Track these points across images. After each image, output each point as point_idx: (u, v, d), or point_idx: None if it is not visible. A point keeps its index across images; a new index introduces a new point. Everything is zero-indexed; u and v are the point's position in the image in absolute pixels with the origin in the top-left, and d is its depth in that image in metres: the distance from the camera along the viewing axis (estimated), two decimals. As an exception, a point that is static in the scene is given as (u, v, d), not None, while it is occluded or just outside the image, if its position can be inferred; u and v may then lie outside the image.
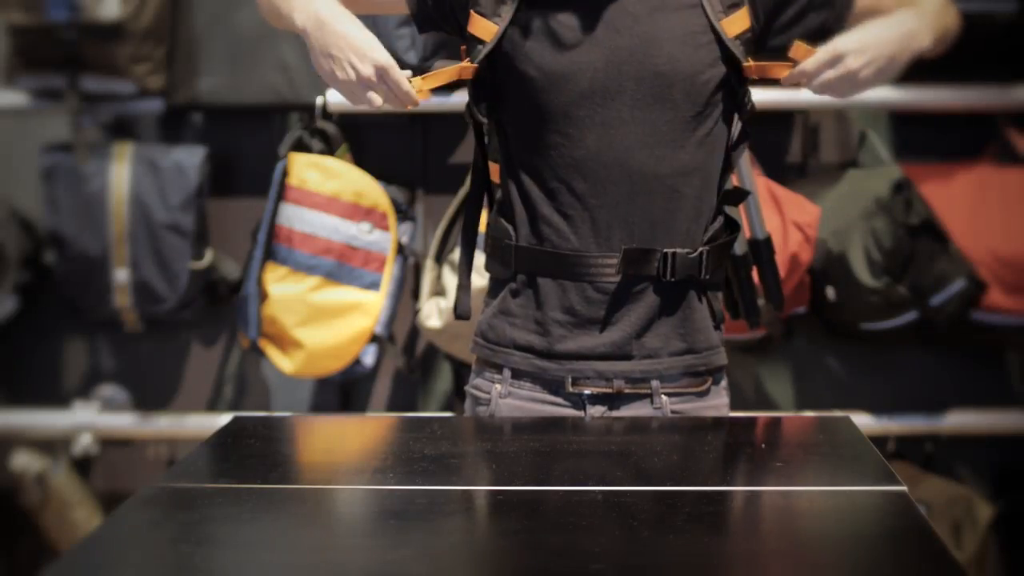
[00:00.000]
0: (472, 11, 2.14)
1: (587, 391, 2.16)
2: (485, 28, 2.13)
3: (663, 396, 2.16)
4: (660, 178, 2.11)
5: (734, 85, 2.14)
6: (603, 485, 1.76)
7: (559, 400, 2.18)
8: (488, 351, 2.22)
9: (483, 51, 2.12)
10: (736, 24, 2.12)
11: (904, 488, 1.72)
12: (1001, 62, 3.34)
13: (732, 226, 2.21)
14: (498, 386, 2.20)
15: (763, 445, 2.05)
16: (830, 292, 3.25)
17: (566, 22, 2.10)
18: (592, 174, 2.11)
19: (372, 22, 3.08)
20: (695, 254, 2.13)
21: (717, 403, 2.22)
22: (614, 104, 2.09)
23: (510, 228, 2.18)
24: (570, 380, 2.16)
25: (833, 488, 1.78)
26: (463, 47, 2.18)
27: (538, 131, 2.13)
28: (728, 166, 2.19)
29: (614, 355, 2.15)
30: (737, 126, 2.18)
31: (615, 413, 2.16)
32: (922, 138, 3.43)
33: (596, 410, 2.16)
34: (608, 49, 2.09)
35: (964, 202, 3.27)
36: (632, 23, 2.10)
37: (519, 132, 2.16)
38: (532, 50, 2.11)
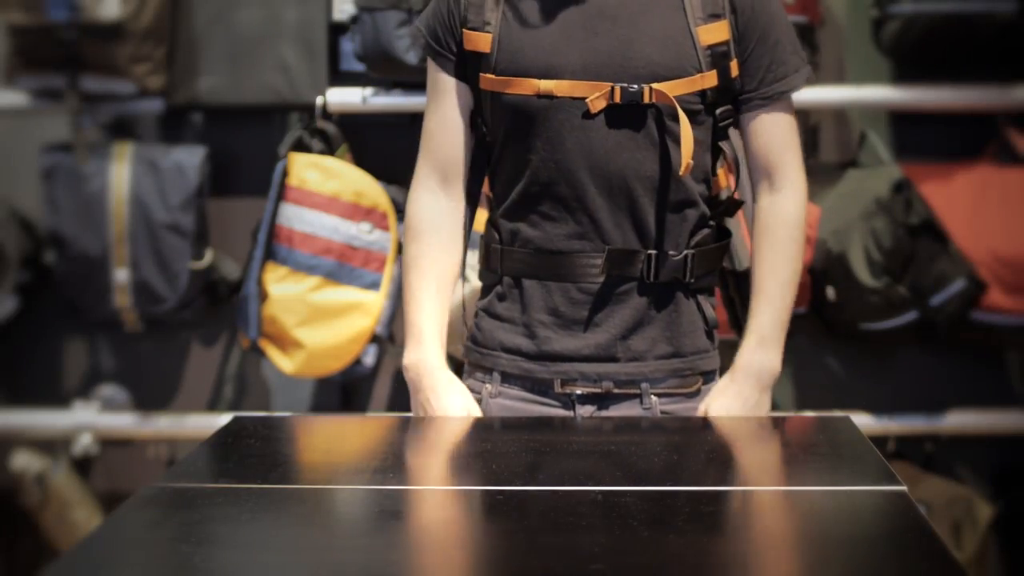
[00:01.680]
0: (464, 29, 2.14)
1: (577, 391, 2.16)
2: (482, 40, 2.12)
3: (653, 397, 2.16)
4: (641, 180, 2.11)
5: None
6: (602, 485, 1.76)
7: (548, 401, 2.18)
8: (477, 354, 2.21)
9: (491, 59, 2.11)
10: (712, 33, 2.10)
11: (904, 488, 1.72)
12: (1001, 62, 3.35)
13: (724, 234, 2.21)
14: (488, 386, 2.20)
15: (763, 445, 2.05)
16: (830, 292, 3.25)
17: (546, 25, 2.10)
18: (573, 176, 2.11)
19: (373, 21, 3.10)
20: (679, 256, 2.13)
21: (708, 404, 2.22)
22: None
23: (496, 231, 2.18)
24: (558, 382, 2.16)
25: (833, 488, 1.78)
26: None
27: (519, 135, 2.13)
28: (713, 168, 2.18)
29: (600, 357, 2.14)
30: (720, 128, 2.17)
31: (604, 413, 2.16)
32: (922, 138, 3.43)
33: (585, 410, 2.16)
34: (586, 52, 2.08)
35: (964, 202, 3.27)
36: (611, 25, 2.09)
37: (502, 136, 2.16)
38: (513, 54, 2.11)
